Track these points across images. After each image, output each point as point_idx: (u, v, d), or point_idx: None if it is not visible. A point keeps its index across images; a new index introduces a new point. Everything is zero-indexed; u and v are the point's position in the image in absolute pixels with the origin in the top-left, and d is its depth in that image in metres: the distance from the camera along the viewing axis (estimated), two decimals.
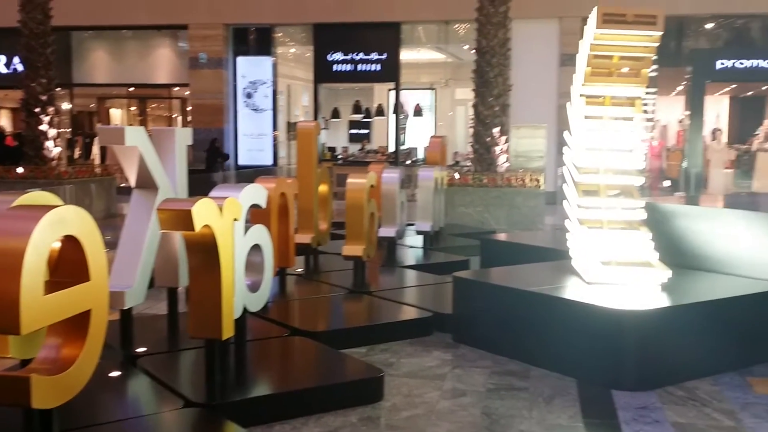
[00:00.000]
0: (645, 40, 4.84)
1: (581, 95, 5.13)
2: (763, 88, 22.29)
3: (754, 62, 17.01)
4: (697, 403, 3.94)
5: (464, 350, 4.87)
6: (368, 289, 6.18)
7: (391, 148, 18.96)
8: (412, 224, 8.49)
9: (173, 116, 22.78)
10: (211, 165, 17.07)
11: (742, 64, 17.11)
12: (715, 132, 19.53)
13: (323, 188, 7.36)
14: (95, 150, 20.34)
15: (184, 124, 20.76)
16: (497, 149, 11.54)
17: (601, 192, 5.08)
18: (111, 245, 3.99)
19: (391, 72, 17.98)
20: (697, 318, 4.42)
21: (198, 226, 3.43)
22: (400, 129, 18.85)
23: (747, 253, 5.12)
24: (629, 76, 5.10)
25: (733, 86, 22.34)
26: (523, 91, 13.64)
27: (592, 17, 4.76)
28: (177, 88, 20.58)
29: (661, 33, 4.74)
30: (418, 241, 8.30)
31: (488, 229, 9.89)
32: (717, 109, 23.65)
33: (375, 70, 18.11)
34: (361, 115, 21.30)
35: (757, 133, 20.63)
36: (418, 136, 19.51)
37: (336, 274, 6.69)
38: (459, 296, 5.22)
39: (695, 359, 4.37)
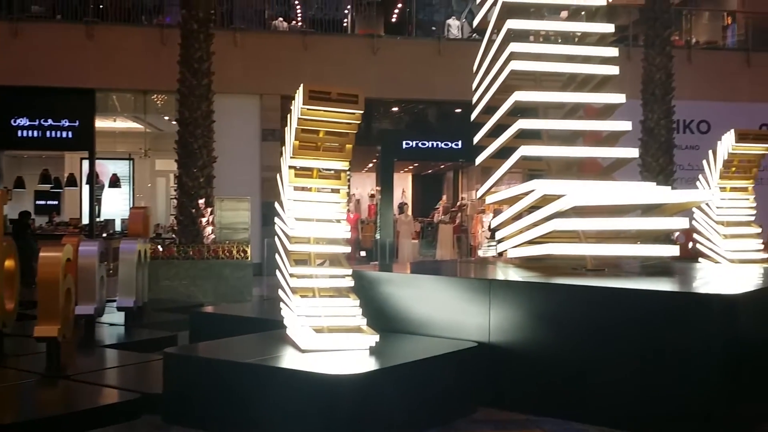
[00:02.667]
0: (348, 117, 5.14)
1: (290, 167, 5.27)
2: (441, 166, 24.94)
3: (434, 143, 19.05)
4: None
5: (176, 431, 4.61)
6: (65, 372, 5.62)
7: (85, 220, 17.76)
8: (112, 300, 7.97)
9: None
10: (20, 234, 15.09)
11: (424, 144, 19.05)
12: (402, 206, 21.31)
13: (9, 263, 6.61)
14: None
15: None
16: (203, 221, 11.39)
17: (312, 261, 5.24)
18: None
19: (84, 140, 17.00)
20: (403, 378, 4.68)
21: None
22: (95, 200, 17.77)
23: (441, 314, 5.57)
24: (335, 150, 5.37)
25: (416, 164, 24.67)
26: (227, 163, 13.71)
27: (299, 94, 4.97)
28: None
29: (362, 111, 5.08)
30: (120, 318, 7.80)
31: (196, 302, 9.62)
32: (403, 184, 25.89)
33: (66, 138, 17.01)
34: (50, 185, 19.75)
35: (437, 207, 22.91)
36: (115, 207, 18.57)
37: (26, 358, 6.01)
38: (170, 374, 4.95)
39: (405, 418, 4.60)
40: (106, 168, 19.17)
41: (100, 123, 17.47)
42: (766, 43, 20.07)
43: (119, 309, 7.85)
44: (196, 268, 10.71)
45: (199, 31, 12.45)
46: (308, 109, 5.00)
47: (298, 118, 5.06)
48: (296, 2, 19.94)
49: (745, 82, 18.96)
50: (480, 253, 16.55)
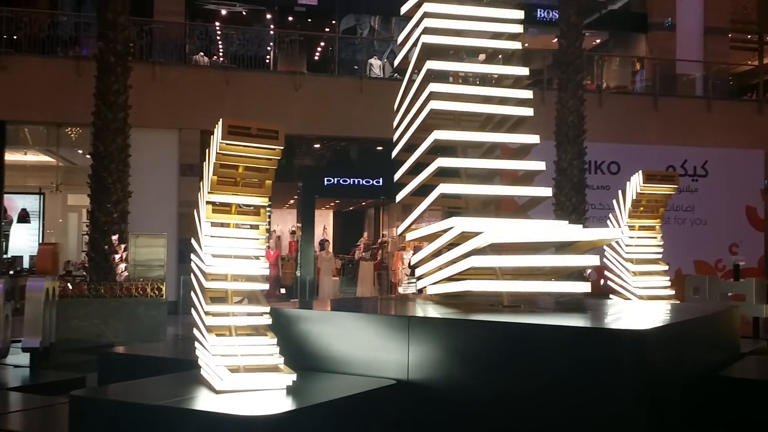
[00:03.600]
0: (268, 153, 5.11)
1: (208, 203, 5.18)
2: (363, 203, 25.06)
3: (355, 180, 19.13)
4: None
5: None
6: None
7: None
8: (18, 341, 7.61)
9: None
10: None
11: (345, 181, 19.10)
12: (323, 243, 21.26)
13: None
14: None
15: None
16: (116, 257, 11.05)
17: (229, 298, 5.13)
18: None
19: None
20: (321, 418, 4.61)
21: None
22: (2, 236, 17.05)
23: (360, 352, 5.53)
24: (254, 186, 5.31)
25: (337, 201, 24.72)
26: (143, 198, 13.39)
27: (219, 128, 4.91)
28: None
29: (282, 147, 5.06)
30: (25, 359, 7.45)
31: (106, 342, 9.28)
32: (324, 221, 25.86)
33: None
34: None
35: (358, 244, 22.96)
36: (23, 243, 17.86)
37: None
38: (76, 418, 4.73)
39: None
40: (15, 203, 18.46)
41: (10, 156, 16.87)
42: (672, 88, 21.15)
43: (24, 350, 7.50)
44: (107, 306, 10.35)
45: (116, 63, 12.22)
46: (227, 144, 4.94)
47: (217, 153, 4.98)
48: (218, 38, 19.86)
49: (653, 125, 19.86)
50: (400, 289, 16.62)
